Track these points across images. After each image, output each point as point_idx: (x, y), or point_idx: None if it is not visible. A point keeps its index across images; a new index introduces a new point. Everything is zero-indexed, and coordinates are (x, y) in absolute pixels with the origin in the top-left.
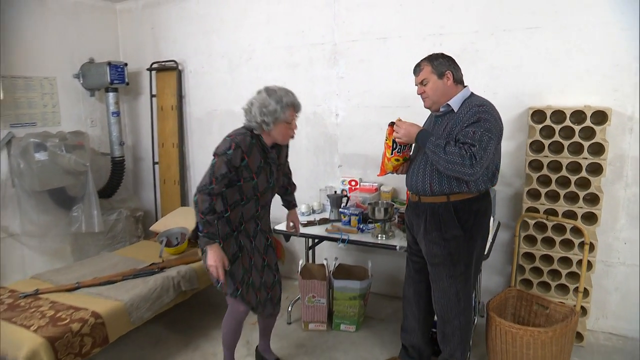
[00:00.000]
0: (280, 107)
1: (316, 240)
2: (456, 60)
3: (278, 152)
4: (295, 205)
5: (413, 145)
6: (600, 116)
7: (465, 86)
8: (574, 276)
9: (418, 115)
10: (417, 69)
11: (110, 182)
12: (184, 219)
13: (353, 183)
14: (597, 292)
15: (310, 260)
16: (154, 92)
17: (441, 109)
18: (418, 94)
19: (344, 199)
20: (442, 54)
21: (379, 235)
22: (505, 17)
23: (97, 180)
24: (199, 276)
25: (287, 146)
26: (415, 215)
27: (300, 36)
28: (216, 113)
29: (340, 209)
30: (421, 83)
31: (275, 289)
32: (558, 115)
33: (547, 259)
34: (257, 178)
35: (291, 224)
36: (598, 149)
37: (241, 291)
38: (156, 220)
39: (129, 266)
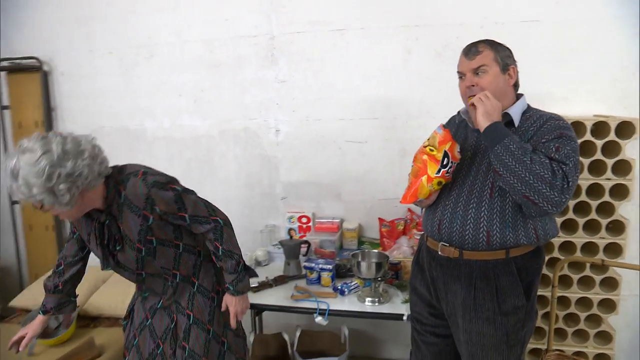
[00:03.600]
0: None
1: None
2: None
3: (119, 216)
4: (230, 291)
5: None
6: (618, 127)
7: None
8: (592, 319)
9: (389, 129)
10: (474, 50)
11: None
12: None
13: (304, 220)
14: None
15: (258, 330)
16: (5, 102)
17: None
18: (467, 87)
19: (304, 246)
20: (505, 45)
21: (369, 299)
22: (497, 8)
23: None
24: None
25: (149, 206)
26: (450, 277)
27: (224, 26)
28: (104, 132)
29: (304, 262)
30: (475, 71)
31: None
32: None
33: (562, 300)
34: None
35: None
36: (619, 168)
37: None
38: (21, 287)
39: None
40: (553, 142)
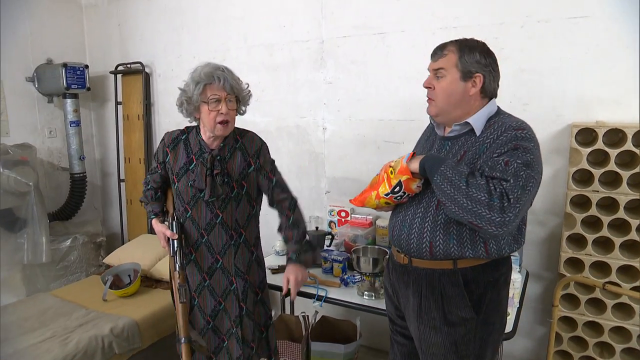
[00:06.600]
0: (192, 83)
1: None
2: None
3: (227, 156)
4: (291, 260)
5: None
6: None
7: (491, 99)
8: (632, 352)
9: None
10: (439, 52)
11: (69, 201)
12: (142, 251)
13: (343, 214)
14: None
15: (287, 310)
16: (119, 99)
17: (454, 127)
18: (424, 87)
19: (328, 237)
20: (484, 45)
21: (365, 293)
22: (540, 5)
23: (56, 199)
24: (142, 331)
25: (256, 156)
26: (402, 283)
27: (282, 32)
28: (186, 124)
29: (321, 252)
30: (435, 73)
31: (231, 340)
32: (613, 134)
33: (594, 326)
34: (177, 181)
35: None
36: None
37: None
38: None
39: (62, 313)
40: (503, 157)
